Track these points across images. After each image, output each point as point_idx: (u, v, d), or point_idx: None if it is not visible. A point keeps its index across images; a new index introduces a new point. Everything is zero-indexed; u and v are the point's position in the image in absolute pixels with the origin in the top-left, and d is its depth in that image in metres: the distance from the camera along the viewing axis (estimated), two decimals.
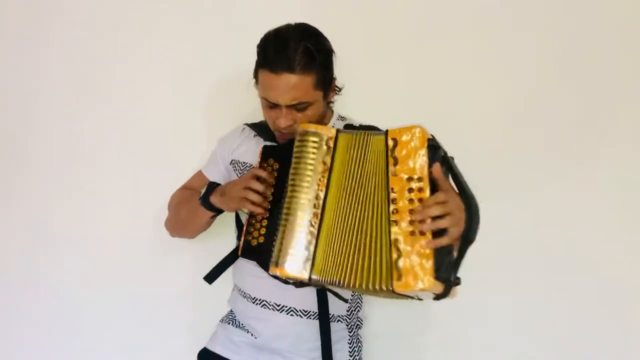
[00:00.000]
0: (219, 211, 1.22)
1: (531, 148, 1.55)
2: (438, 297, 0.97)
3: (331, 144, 1.04)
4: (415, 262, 0.92)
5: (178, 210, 1.35)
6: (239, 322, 1.30)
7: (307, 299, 1.22)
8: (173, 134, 1.62)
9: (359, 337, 1.31)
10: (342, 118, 1.29)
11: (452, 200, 0.94)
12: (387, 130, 1.00)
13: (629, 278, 1.52)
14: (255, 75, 1.16)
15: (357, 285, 0.98)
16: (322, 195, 1.03)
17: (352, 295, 1.28)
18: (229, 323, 1.32)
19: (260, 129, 1.30)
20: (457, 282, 0.97)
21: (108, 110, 1.64)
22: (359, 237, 1.00)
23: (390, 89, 1.58)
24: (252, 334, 1.26)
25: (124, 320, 1.64)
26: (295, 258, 1.01)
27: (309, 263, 1.01)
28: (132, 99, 1.64)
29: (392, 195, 0.96)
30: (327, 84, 1.17)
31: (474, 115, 1.57)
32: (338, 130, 1.05)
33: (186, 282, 1.60)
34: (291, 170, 1.06)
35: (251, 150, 1.28)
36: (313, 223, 1.02)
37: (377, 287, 0.95)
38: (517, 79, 1.56)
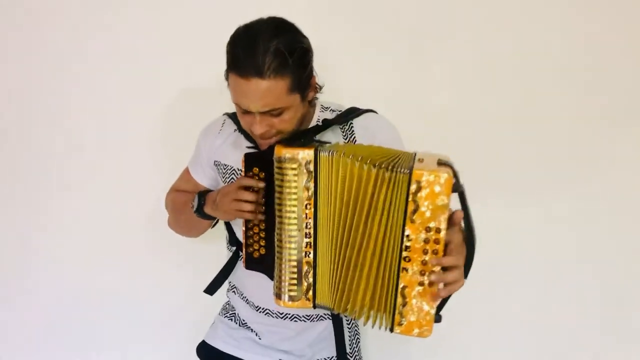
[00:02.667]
0: (215, 218, 1.19)
1: (532, 149, 1.52)
2: None
3: (311, 168, 0.97)
4: (420, 313, 0.92)
5: (177, 218, 1.32)
6: (242, 320, 1.30)
7: None
8: (172, 131, 1.58)
9: (356, 329, 1.32)
10: (324, 108, 1.19)
11: (462, 256, 0.92)
12: (411, 171, 0.89)
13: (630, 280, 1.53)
14: (226, 77, 1.05)
15: (358, 316, 0.99)
16: (311, 223, 0.99)
17: None
18: (231, 319, 1.32)
19: (239, 122, 1.21)
20: (440, 319, 0.96)
21: (104, 108, 1.61)
22: (362, 269, 0.96)
23: (384, 87, 1.52)
24: (256, 334, 1.28)
25: (123, 320, 1.67)
26: (297, 289, 1.00)
27: (311, 292, 1.00)
28: (126, 97, 1.60)
29: (406, 242, 0.90)
30: (304, 85, 1.06)
31: (472, 114, 1.52)
32: (317, 150, 0.98)
33: (187, 278, 1.61)
34: (276, 200, 1.01)
35: (231, 150, 1.21)
36: (307, 253, 0.99)
37: (377, 323, 0.97)
38: (517, 79, 1.51)
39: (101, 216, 1.64)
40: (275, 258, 1.02)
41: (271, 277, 1.09)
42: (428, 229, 0.89)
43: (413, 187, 0.88)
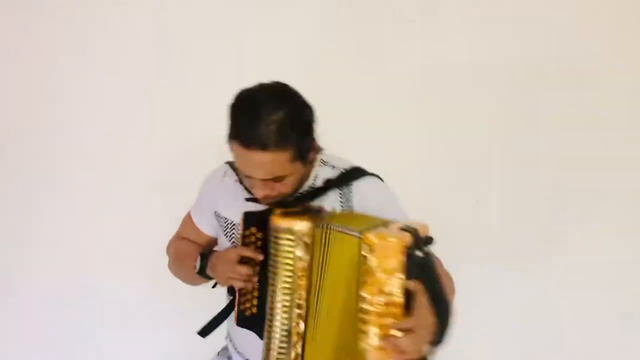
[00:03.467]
0: None
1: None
2: None
3: (308, 240, 0.98)
4: None
5: (178, 268, 1.32)
6: None
7: None
8: (169, 137, 1.60)
9: None
10: (323, 163, 1.19)
11: (422, 322, 0.88)
12: (361, 233, 0.90)
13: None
14: (228, 141, 1.05)
15: None
16: (304, 294, 0.99)
17: None
18: None
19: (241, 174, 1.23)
20: None
21: (108, 115, 1.63)
22: (338, 340, 0.97)
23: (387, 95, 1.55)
24: None
25: (123, 321, 1.68)
26: (284, 358, 1.00)
27: None
28: (127, 101, 1.62)
29: (362, 305, 0.89)
30: (305, 153, 1.06)
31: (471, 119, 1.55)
32: (314, 225, 0.98)
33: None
34: (270, 268, 1.01)
35: (232, 201, 1.21)
36: (298, 323, 0.99)
37: None
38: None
39: (101, 216, 1.64)
40: (266, 324, 1.02)
41: (261, 337, 1.09)
42: (381, 292, 0.88)
43: (365, 250, 0.88)
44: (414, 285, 0.89)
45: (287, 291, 0.99)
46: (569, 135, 1.57)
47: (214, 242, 1.31)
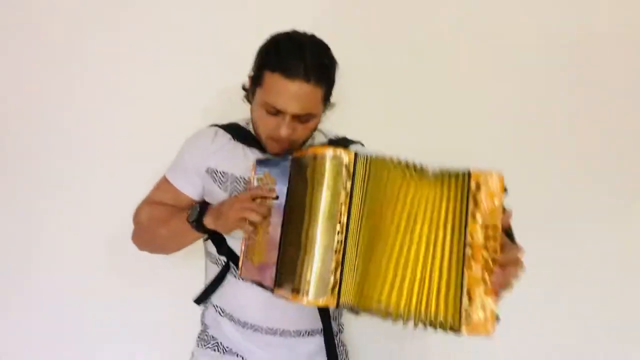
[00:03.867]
0: (211, 232, 1.13)
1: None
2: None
3: (351, 169, 1.01)
4: (487, 311, 0.94)
5: (155, 230, 1.22)
6: (225, 348, 1.23)
7: (301, 319, 1.20)
8: (171, 137, 1.50)
9: (342, 342, 1.32)
10: (317, 131, 1.26)
11: (518, 250, 0.96)
12: (469, 172, 0.97)
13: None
14: (257, 79, 1.08)
15: (401, 315, 0.97)
16: (344, 221, 0.99)
17: None
18: (214, 349, 1.24)
19: (234, 132, 1.22)
20: (499, 319, 0.99)
21: (103, 111, 1.60)
22: (411, 272, 0.97)
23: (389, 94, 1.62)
24: (242, 358, 1.21)
25: (121, 321, 1.61)
26: (321, 285, 0.97)
27: (337, 289, 0.98)
28: (127, 101, 1.60)
29: (469, 239, 0.95)
30: (329, 100, 1.14)
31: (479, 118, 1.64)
32: (356, 155, 1.02)
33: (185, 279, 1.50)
34: (307, 196, 1.01)
35: (229, 157, 1.20)
36: (337, 250, 0.98)
37: (435, 324, 0.95)
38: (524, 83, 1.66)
39: (102, 216, 1.58)
40: (301, 252, 1.00)
41: (267, 288, 1.08)
42: (487, 227, 0.95)
43: (473, 187, 0.96)
44: (507, 219, 0.97)
45: (328, 215, 0.98)
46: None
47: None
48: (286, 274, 1.02)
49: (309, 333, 1.23)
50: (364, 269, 0.99)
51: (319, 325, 1.23)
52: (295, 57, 1.04)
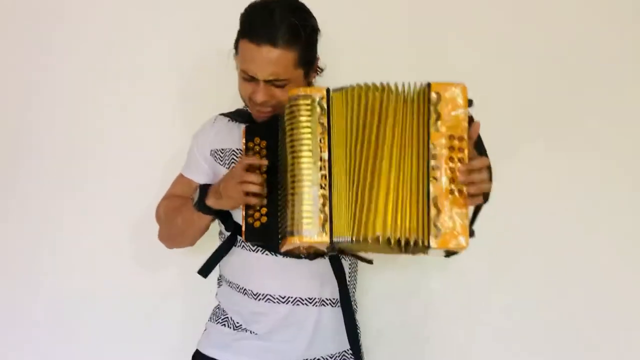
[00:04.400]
0: (218, 213, 1.14)
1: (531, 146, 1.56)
2: (449, 254, 0.99)
3: (324, 104, 1.01)
4: (457, 221, 0.92)
5: (172, 220, 1.25)
6: (235, 322, 1.21)
7: (313, 286, 1.17)
8: (173, 132, 1.57)
9: (356, 322, 1.25)
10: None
11: (487, 165, 0.95)
12: (429, 83, 0.96)
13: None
14: (236, 46, 1.12)
15: (382, 238, 0.95)
16: (325, 156, 0.99)
17: (349, 277, 1.23)
18: (224, 325, 1.23)
19: (233, 114, 1.25)
20: (473, 234, 0.98)
21: (107, 108, 1.61)
22: (384, 191, 0.97)
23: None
24: (251, 332, 1.19)
25: (122, 319, 1.58)
26: (313, 222, 0.97)
27: (327, 224, 0.97)
28: (128, 99, 1.60)
29: (433, 151, 0.94)
30: (309, 63, 1.13)
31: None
32: (328, 90, 1.02)
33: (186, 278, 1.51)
34: (287, 138, 1.01)
35: (227, 135, 1.22)
36: (323, 185, 0.98)
37: (410, 240, 0.94)
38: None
39: (103, 217, 1.59)
40: (288, 197, 0.99)
41: (271, 249, 1.08)
42: (451, 137, 0.93)
43: (434, 98, 0.94)
44: (476, 130, 0.96)
45: (308, 153, 0.98)
46: None
47: None
48: (283, 224, 1.02)
49: (321, 302, 1.18)
50: (353, 199, 0.98)
51: (335, 294, 1.19)
52: (263, 22, 1.05)
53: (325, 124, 1.00)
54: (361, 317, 1.31)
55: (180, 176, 1.31)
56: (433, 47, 1.56)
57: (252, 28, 1.07)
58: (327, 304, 1.19)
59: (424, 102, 0.97)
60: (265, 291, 1.17)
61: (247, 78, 1.10)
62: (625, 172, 1.54)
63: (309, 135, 0.99)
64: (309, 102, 1.00)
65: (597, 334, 1.53)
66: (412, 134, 0.97)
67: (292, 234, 0.97)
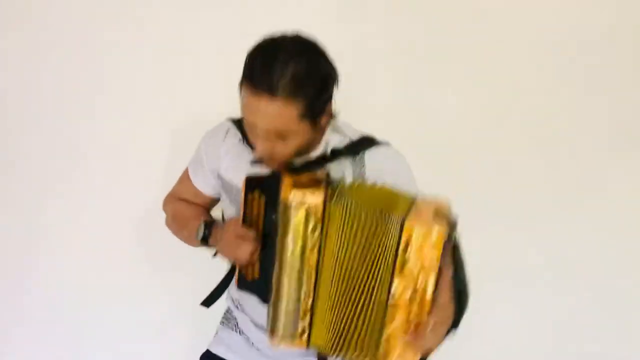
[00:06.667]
0: None
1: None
2: None
3: (319, 215, 0.94)
4: None
5: (178, 229, 1.27)
6: (241, 330, 1.28)
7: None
8: (168, 134, 1.56)
9: None
10: (333, 131, 1.12)
11: (446, 316, 0.92)
12: (403, 222, 0.89)
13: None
14: (240, 90, 0.99)
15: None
16: (313, 269, 0.97)
17: None
18: (232, 329, 1.30)
19: (244, 132, 1.14)
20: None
21: (102, 110, 1.58)
22: (358, 317, 0.97)
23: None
24: (256, 348, 1.25)
25: (122, 319, 1.66)
26: (291, 330, 1.00)
27: (306, 335, 1.00)
28: (124, 99, 1.56)
29: (393, 291, 0.91)
30: (317, 112, 0.99)
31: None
32: (325, 195, 0.94)
33: (186, 277, 1.59)
34: (277, 244, 0.98)
35: (236, 160, 1.15)
36: (307, 295, 0.98)
37: None
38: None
39: (101, 216, 1.61)
40: (272, 297, 1.00)
41: (263, 300, 1.08)
42: (415, 289, 0.90)
43: (403, 241, 0.89)
44: (444, 278, 0.91)
45: (296, 263, 0.97)
46: None
47: (214, 201, 1.26)
48: (268, 317, 1.04)
49: None
50: (333, 312, 0.99)
51: None
52: (264, 69, 0.92)
53: (318, 236, 0.95)
54: None
55: (187, 176, 1.28)
56: None
57: (252, 73, 0.94)
58: None
59: (395, 243, 0.91)
60: (262, 322, 1.18)
61: (250, 125, 1.00)
62: None
63: (299, 248, 0.96)
64: (302, 213, 0.94)
65: None
66: (383, 272, 0.93)
67: (271, 332, 1.01)
